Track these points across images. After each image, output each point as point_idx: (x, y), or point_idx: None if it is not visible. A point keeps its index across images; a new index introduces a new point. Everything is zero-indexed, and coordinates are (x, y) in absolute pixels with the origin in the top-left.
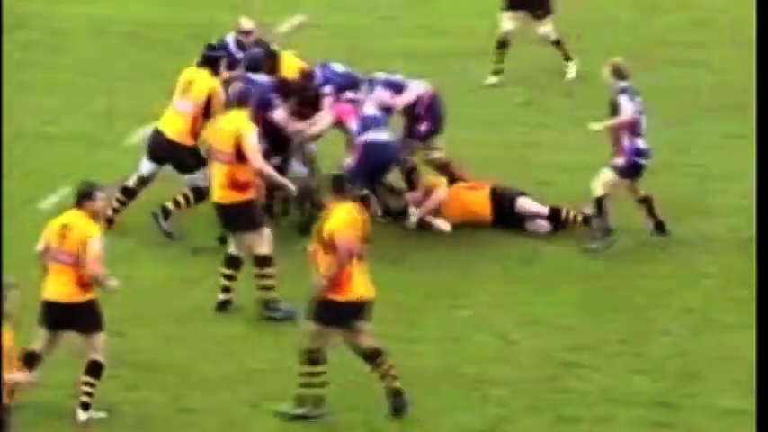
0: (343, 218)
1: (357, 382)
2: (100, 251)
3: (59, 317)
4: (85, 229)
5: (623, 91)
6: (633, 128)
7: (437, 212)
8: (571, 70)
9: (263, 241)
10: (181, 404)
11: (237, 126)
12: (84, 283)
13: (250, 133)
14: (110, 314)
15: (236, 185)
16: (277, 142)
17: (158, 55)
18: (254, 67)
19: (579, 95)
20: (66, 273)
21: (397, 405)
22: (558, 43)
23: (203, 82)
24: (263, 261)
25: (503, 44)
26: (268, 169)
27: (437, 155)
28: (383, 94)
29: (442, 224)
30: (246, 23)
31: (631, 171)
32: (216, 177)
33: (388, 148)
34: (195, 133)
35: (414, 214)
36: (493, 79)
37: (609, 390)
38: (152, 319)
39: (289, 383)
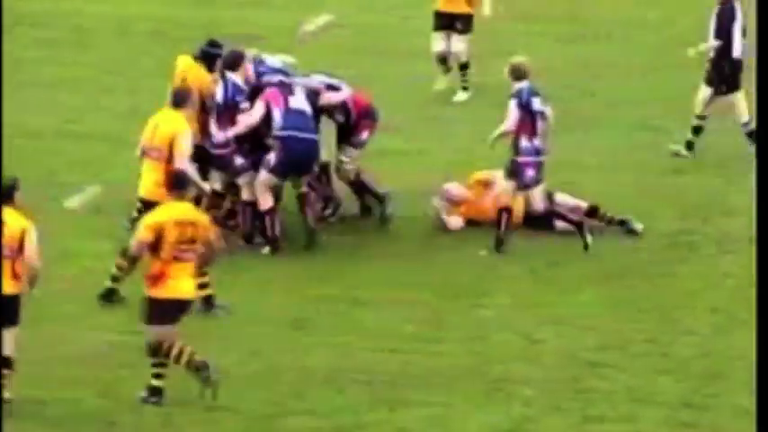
0: (162, 213)
1: (382, 381)
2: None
3: None
4: (19, 223)
5: (516, 95)
6: (531, 129)
7: (451, 210)
8: (456, 94)
9: None
10: (207, 402)
11: (175, 126)
12: (18, 276)
13: (184, 135)
14: (131, 312)
15: None
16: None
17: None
18: (231, 65)
19: (601, 94)
20: (5, 266)
21: (205, 376)
22: (465, 66)
23: (195, 78)
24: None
25: (443, 61)
26: (190, 170)
27: (351, 167)
28: (316, 83)
29: (455, 221)
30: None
31: (540, 171)
32: (149, 174)
33: (309, 145)
34: (194, 131)
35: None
36: (462, 96)
37: (634, 390)
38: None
39: (313, 383)
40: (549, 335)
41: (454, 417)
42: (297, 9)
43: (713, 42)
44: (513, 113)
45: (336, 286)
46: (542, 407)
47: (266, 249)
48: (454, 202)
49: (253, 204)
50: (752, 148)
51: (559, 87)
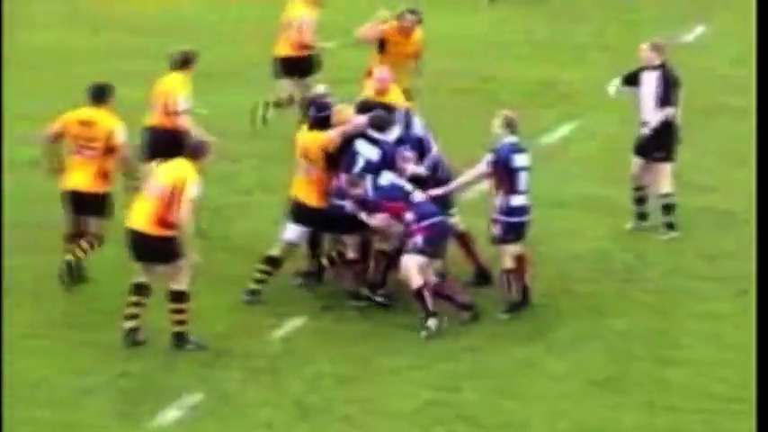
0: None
1: None
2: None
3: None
4: (107, 123)
5: (495, 150)
6: (508, 186)
7: None
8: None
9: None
10: None
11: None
12: (104, 174)
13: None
14: (448, 367)
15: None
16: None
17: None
18: (379, 126)
19: None
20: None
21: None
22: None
23: (314, 143)
24: None
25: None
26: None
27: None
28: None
29: None
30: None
31: (510, 233)
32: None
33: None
34: (326, 193)
35: None
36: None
37: None
38: (489, 373)
39: None
40: None
41: None
42: (608, 67)
43: (669, 111)
44: (480, 166)
45: (644, 345)
46: None
47: (432, 322)
48: None
49: (385, 254)
50: (666, 221)
51: None
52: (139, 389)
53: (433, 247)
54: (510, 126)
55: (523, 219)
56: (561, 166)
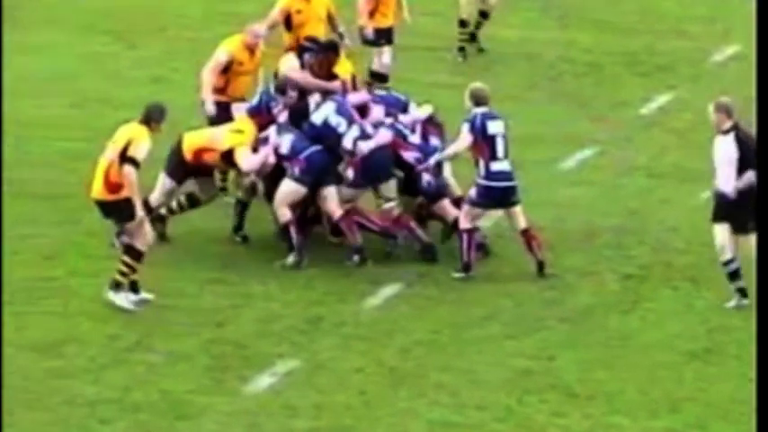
0: None
1: None
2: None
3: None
4: (130, 132)
5: (470, 119)
6: (489, 153)
7: None
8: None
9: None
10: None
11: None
12: (109, 184)
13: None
14: (542, 337)
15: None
16: None
17: (587, 81)
18: (280, 88)
19: None
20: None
21: None
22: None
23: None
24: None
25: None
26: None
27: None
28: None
29: None
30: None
31: (485, 197)
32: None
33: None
34: None
35: None
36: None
37: None
38: (583, 343)
39: (715, 414)
40: None
41: None
42: (707, 39)
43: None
44: (463, 137)
45: (739, 316)
46: None
47: (291, 259)
48: None
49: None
50: None
51: None
52: (232, 355)
53: (311, 177)
54: (475, 98)
55: (504, 184)
56: (658, 137)
